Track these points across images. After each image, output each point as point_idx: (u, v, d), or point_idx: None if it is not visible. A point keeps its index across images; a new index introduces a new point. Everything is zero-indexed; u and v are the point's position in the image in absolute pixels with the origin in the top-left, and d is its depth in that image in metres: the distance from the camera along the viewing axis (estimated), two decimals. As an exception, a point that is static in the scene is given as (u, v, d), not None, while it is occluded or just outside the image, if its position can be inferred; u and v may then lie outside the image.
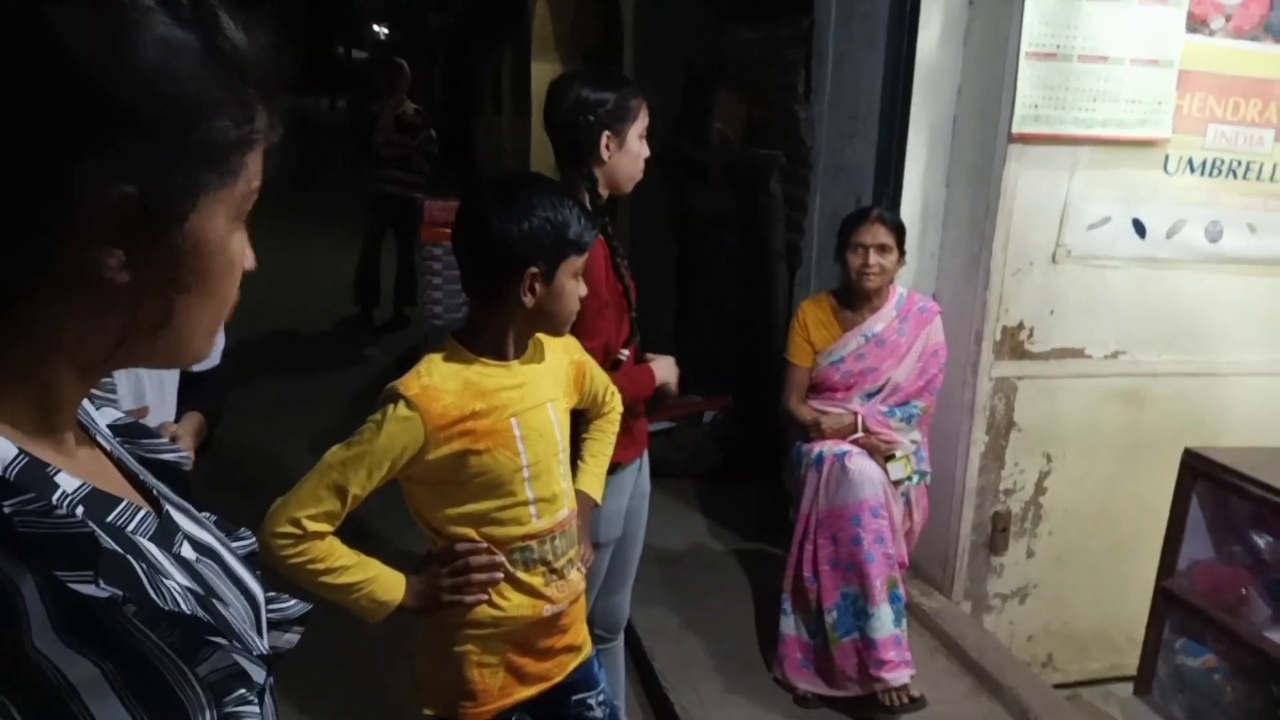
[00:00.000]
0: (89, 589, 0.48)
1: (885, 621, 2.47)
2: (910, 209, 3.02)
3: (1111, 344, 2.91)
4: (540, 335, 1.55)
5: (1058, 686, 2.96)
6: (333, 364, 5.82)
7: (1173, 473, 2.57)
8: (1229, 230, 2.81)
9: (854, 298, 2.74)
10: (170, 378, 1.61)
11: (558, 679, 1.62)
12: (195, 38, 0.53)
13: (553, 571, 1.55)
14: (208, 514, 0.73)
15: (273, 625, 0.75)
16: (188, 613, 0.53)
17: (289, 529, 1.38)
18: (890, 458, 2.60)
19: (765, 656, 2.79)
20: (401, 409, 1.40)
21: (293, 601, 0.78)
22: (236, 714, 0.60)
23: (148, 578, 0.53)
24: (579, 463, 1.75)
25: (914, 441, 2.71)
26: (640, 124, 1.94)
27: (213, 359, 1.69)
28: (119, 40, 0.51)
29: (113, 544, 0.53)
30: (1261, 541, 2.21)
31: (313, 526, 1.39)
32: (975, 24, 2.85)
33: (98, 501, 0.57)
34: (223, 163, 0.55)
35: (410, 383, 1.43)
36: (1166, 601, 2.45)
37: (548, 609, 1.55)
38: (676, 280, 5.12)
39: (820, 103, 3.46)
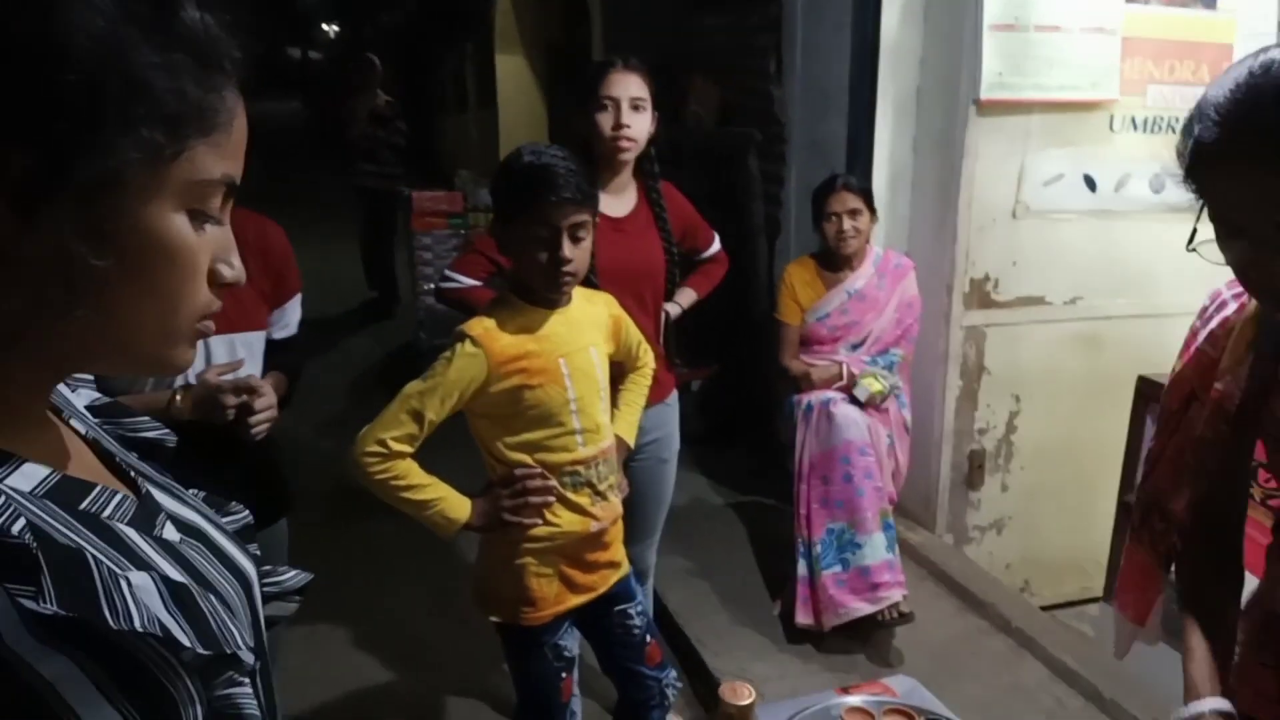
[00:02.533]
0: (33, 605, 0.46)
1: (879, 548, 2.71)
2: (881, 176, 3.26)
3: (1069, 291, 3.18)
4: (583, 290, 1.77)
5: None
6: (329, 358, 5.93)
7: (1128, 407, 2.83)
8: (1170, 182, 3.06)
9: (834, 259, 2.98)
10: (258, 342, 1.81)
11: (602, 590, 1.84)
12: (143, 9, 0.52)
13: (597, 493, 1.77)
14: (195, 490, 0.72)
15: (272, 598, 0.76)
16: (139, 630, 0.49)
17: (376, 448, 1.60)
18: (854, 384, 2.83)
19: (770, 593, 3.03)
20: (469, 346, 1.62)
21: (292, 573, 0.79)
22: (227, 696, 0.60)
23: (105, 587, 0.49)
24: (614, 410, 1.97)
25: (895, 387, 2.95)
26: (597, 96, 2.10)
27: (291, 329, 1.89)
28: (51, 3, 0.48)
29: (75, 535, 0.52)
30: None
31: (396, 446, 1.61)
32: (933, 2, 3.09)
33: (69, 489, 0.55)
34: (149, 139, 0.52)
35: (474, 325, 1.65)
36: (1127, 514, 2.72)
37: (594, 525, 1.76)
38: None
39: (792, 83, 3.70)
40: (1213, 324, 1.23)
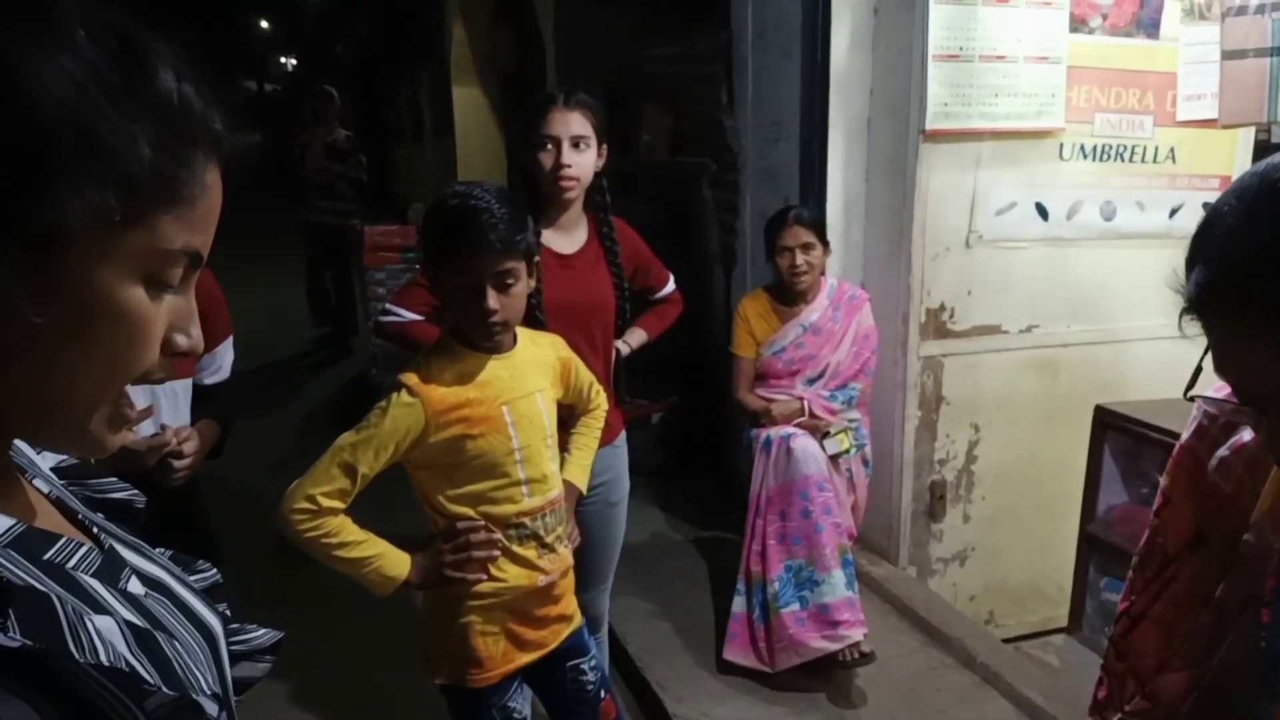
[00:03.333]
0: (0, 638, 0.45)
1: (838, 585, 2.66)
2: (834, 204, 3.24)
3: (1024, 319, 3.17)
4: (529, 332, 1.70)
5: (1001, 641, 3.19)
6: (287, 395, 5.81)
7: (1086, 431, 2.82)
8: (1121, 209, 3.10)
9: (788, 292, 2.94)
10: (184, 391, 1.72)
11: (553, 646, 1.76)
12: (114, 73, 0.51)
13: (544, 545, 1.69)
14: (162, 550, 0.71)
15: (241, 656, 0.74)
16: (106, 664, 0.49)
17: (305, 505, 1.51)
18: (826, 435, 2.79)
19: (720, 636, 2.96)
20: (404, 396, 1.54)
21: (261, 631, 0.77)
22: None
23: (71, 624, 0.49)
24: (565, 455, 1.90)
25: (852, 420, 2.92)
26: (538, 134, 2.06)
27: (223, 372, 1.81)
28: (18, 50, 0.48)
29: (38, 582, 0.52)
30: (1167, 482, 2.46)
31: (327, 503, 1.52)
32: (881, 31, 3.09)
33: (33, 539, 0.55)
34: (103, 201, 0.51)
35: (411, 373, 1.57)
36: (1089, 545, 2.69)
37: (542, 579, 1.69)
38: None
39: (743, 111, 3.68)
40: (1223, 451, 0.97)
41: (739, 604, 2.86)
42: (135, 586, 0.62)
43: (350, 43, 17.23)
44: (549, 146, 2.04)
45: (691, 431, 4.27)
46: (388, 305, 2.08)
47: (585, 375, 1.88)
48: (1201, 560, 0.99)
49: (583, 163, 2.06)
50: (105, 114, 0.50)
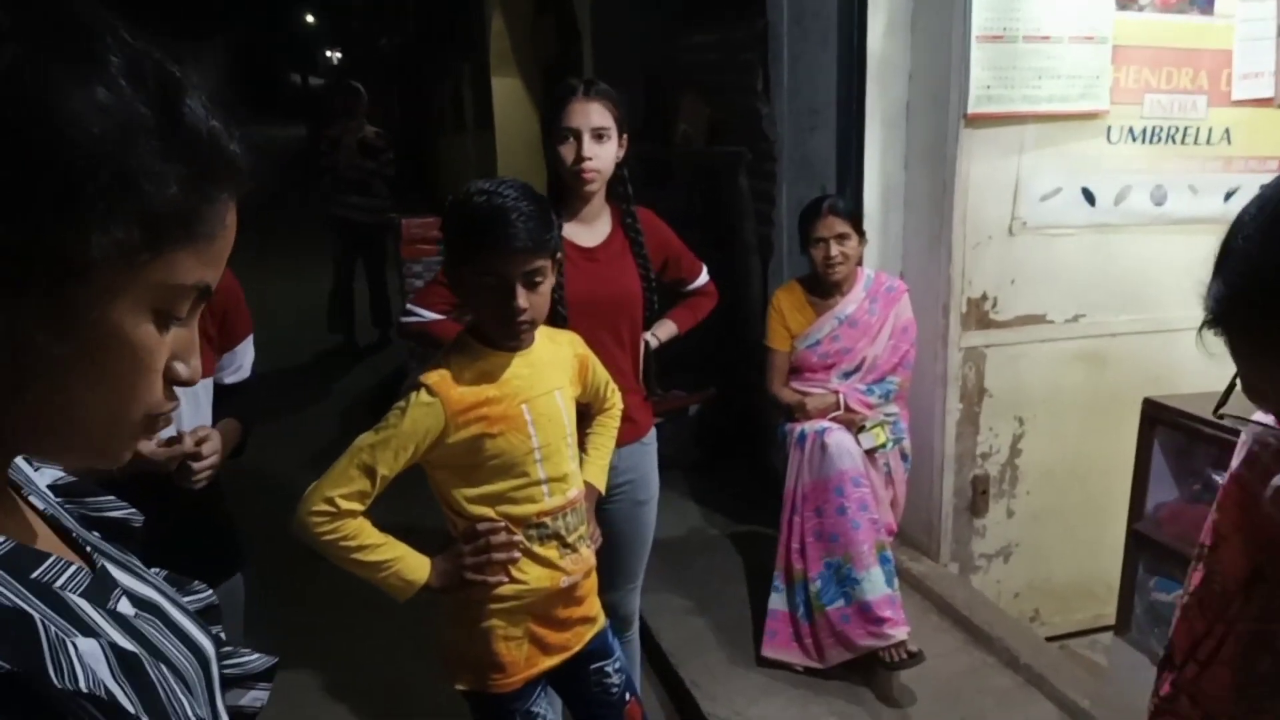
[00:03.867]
0: None
1: (878, 583, 2.60)
2: (871, 193, 3.16)
3: (1071, 308, 3.07)
4: (547, 329, 1.67)
5: (1046, 640, 3.10)
6: (319, 391, 5.88)
7: (1135, 425, 2.72)
8: (1172, 193, 2.98)
9: (824, 284, 2.88)
10: (204, 391, 1.71)
11: (577, 648, 1.73)
12: (146, 110, 0.52)
13: (566, 545, 1.66)
14: (158, 570, 0.71)
15: (234, 681, 0.73)
16: (84, 690, 0.48)
17: (324, 507, 1.50)
18: (861, 428, 2.73)
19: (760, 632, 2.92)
20: (424, 395, 1.52)
21: (255, 656, 0.75)
22: None
23: (52, 647, 0.49)
24: (583, 455, 1.87)
25: (890, 415, 2.85)
26: (559, 126, 2.02)
27: (243, 372, 1.80)
28: (52, 86, 0.49)
29: (23, 601, 0.51)
30: (1219, 478, 2.35)
31: (345, 505, 1.50)
32: (920, 13, 3.00)
33: (21, 557, 0.55)
34: (132, 237, 0.51)
35: (431, 372, 1.55)
36: (1138, 543, 2.60)
37: (564, 580, 1.66)
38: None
39: (779, 99, 3.61)
40: (1278, 480, 0.91)
41: (778, 600, 2.81)
42: (125, 607, 0.61)
43: (394, 36, 17.36)
44: (569, 139, 2.01)
45: (728, 425, 4.22)
46: (409, 305, 2.06)
47: (601, 373, 1.84)
48: (1263, 600, 0.91)
49: (604, 154, 2.02)
50: (138, 151, 0.51)
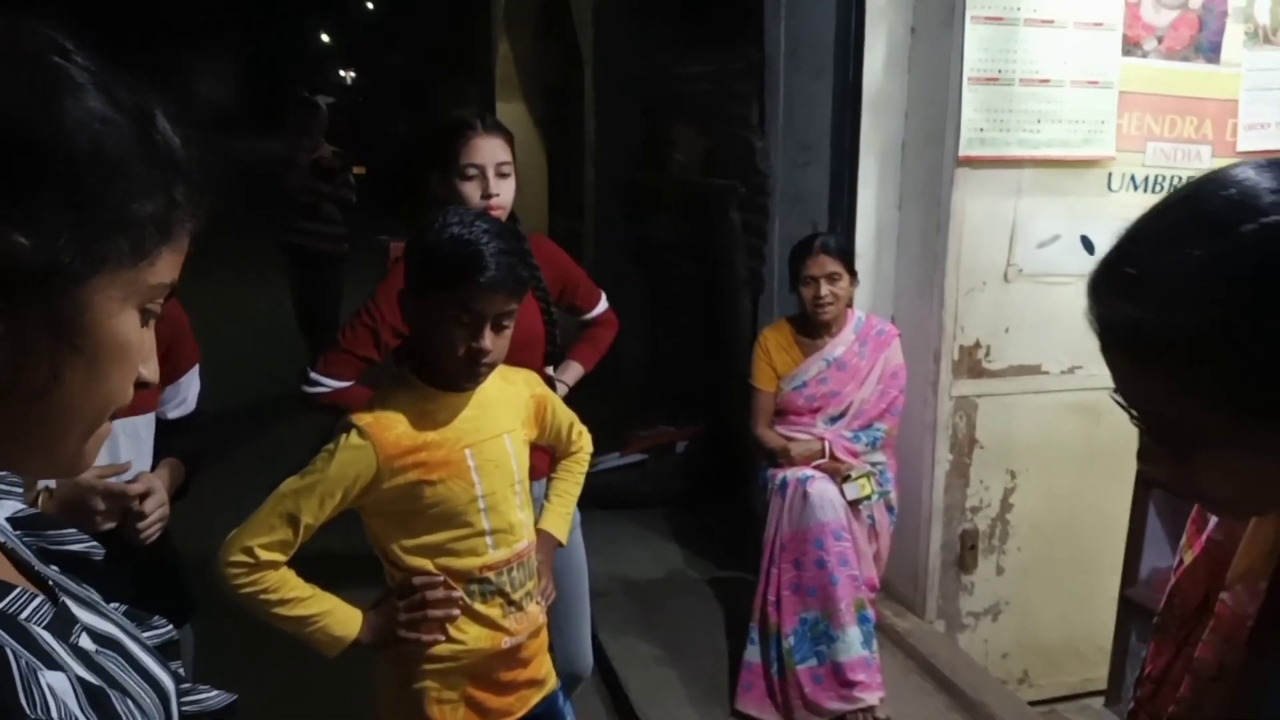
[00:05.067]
0: None
1: (853, 643, 2.48)
2: (864, 232, 3.07)
3: (1066, 359, 2.96)
4: (502, 368, 1.57)
5: (1034, 703, 2.97)
6: (280, 422, 5.31)
7: (1130, 481, 2.60)
8: (1174, 244, 2.87)
9: (813, 324, 2.78)
10: (145, 427, 1.61)
11: (520, 714, 1.61)
12: (127, 120, 0.55)
13: (510, 603, 1.55)
14: (117, 604, 0.71)
15: (192, 718, 0.73)
16: None
17: (242, 558, 1.38)
18: (846, 478, 2.62)
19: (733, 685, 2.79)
20: (354, 438, 1.41)
21: (214, 693, 0.76)
22: None
23: (23, 678, 0.50)
24: (545, 502, 1.76)
25: (876, 464, 2.74)
26: (458, 162, 1.96)
27: (188, 405, 1.69)
28: (46, 98, 0.52)
29: None
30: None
31: (265, 555, 1.39)
32: (917, 51, 2.92)
33: None
34: (129, 240, 0.55)
35: (363, 413, 1.44)
36: (1129, 611, 2.47)
37: (506, 641, 1.54)
38: (646, 311, 5.16)
39: (774, 132, 3.52)
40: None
41: (753, 653, 2.70)
42: (86, 643, 0.61)
43: (405, 57, 17.45)
44: (473, 176, 1.94)
45: (715, 462, 4.11)
46: (313, 374, 1.96)
47: (564, 414, 1.74)
48: (1211, 625, 0.88)
49: (507, 190, 1.97)
50: (125, 165, 0.54)
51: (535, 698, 1.63)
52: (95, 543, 0.73)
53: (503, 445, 1.53)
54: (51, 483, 1.40)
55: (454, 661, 1.51)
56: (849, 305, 2.79)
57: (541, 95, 8.65)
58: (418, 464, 1.44)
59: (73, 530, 0.71)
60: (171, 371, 1.66)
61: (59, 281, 0.53)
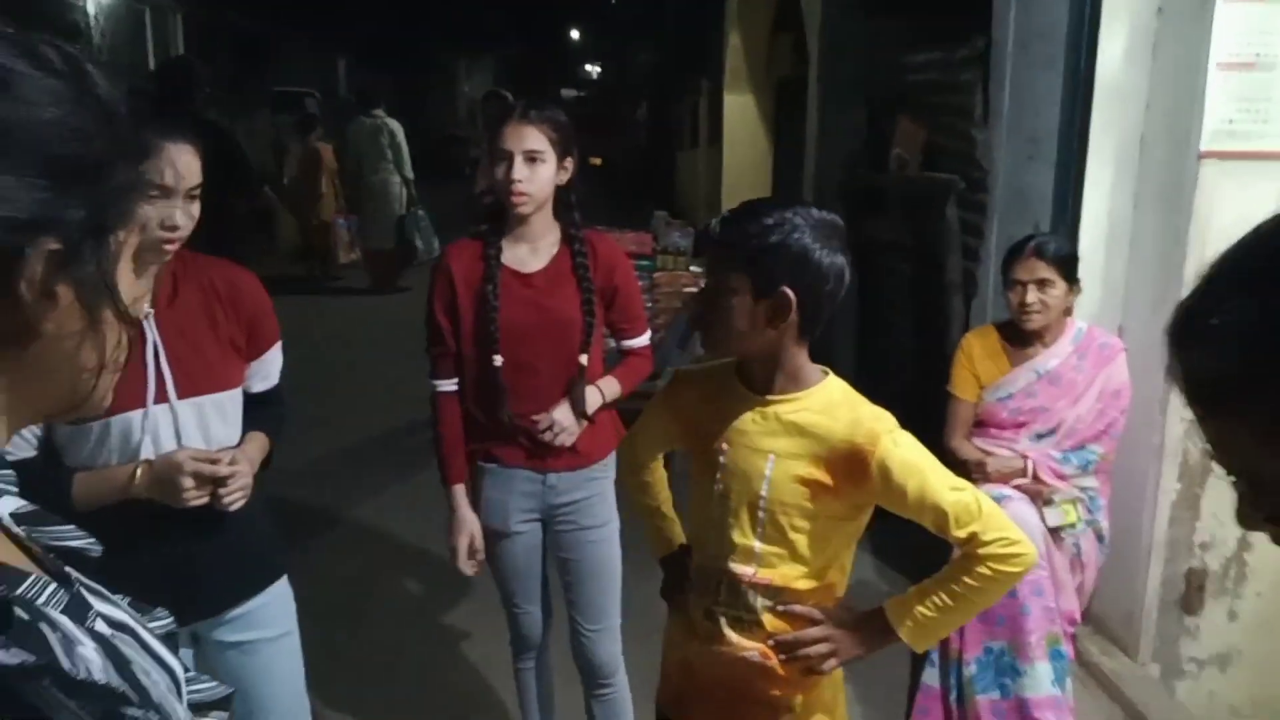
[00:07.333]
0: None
1: (1042, 680, 2.29)
2: (1092, 235, 2.82)
3: (1328, 384, 2.57)
4: (851, 401, 1.52)
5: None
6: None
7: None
8: None
9: (1021, 332, 2.58)
10: (232, 402, 1.70)
11: None
12: (69, 89, 0.58)
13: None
14: (122, 595, 0.73)
15: (193, 707, 0.75)
16: (101, 682, 0.53)
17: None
18: (1048, 502, 2.41)
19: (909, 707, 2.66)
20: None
21: (214, 684, 0.79)
22: None
23: (62, 647, 0.53)
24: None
25: (1086, 489, 2.51)
26: (495, 145, 2.01)
27: (271, 379, 1.79)
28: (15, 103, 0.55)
29: (24, 613, 0.54)
30: None
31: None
32: (1165, 35, 2.63)
33: (6, 575, 0.57)
34: (124, 205, 0.60)
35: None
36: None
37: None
38: (857, 312, 5.00)
39: (997, 125, 3.29)
40: None
41: (930, 675, 2.55)
42: (102, 627, 0.63)
43: (649, 52, 17.89)
44: (503, 160, 1.97)
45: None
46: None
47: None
48: None
49: (535, 177, 1.96)
50: (122, 124, 0.60)
51: None
52: (92, 539, 0.75)
53: (763, 461, 1.50)
54: (151, 456, 1.54)
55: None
56: (1068, 314, 2.57)
57: (770, 89, 8.59)
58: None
59: (71, 527, 0.73)
60: (256, 348, 1.74)
61: (82, 265, 0.58)
